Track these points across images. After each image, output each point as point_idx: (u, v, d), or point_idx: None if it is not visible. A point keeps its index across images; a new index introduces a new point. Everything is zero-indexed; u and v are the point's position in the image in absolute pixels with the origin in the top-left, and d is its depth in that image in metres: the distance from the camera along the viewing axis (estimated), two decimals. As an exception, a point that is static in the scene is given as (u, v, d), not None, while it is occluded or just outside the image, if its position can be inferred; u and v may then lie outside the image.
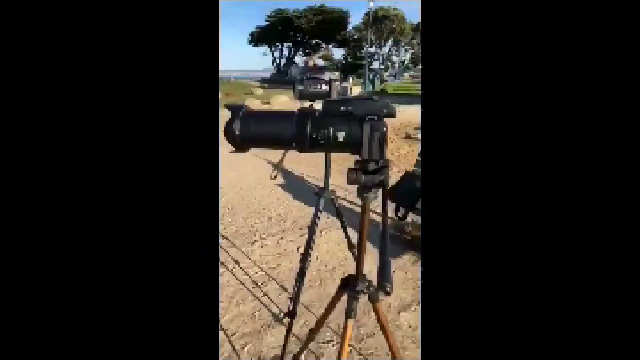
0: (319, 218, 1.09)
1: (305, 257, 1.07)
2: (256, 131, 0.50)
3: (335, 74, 0.83)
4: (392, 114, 0.48)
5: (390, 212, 2.47)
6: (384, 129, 0.47)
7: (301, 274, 1.09)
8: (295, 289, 1.12)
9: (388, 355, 1.29)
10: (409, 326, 1.56)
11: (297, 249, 2.21)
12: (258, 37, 25.55)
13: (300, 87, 0.80)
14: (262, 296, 1.75)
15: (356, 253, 1.06)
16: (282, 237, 2.38)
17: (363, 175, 0.51)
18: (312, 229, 1.08)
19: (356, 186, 0.53)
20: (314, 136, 0.48)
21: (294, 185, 3.45)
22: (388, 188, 0.51)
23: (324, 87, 0.81)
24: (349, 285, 0.64)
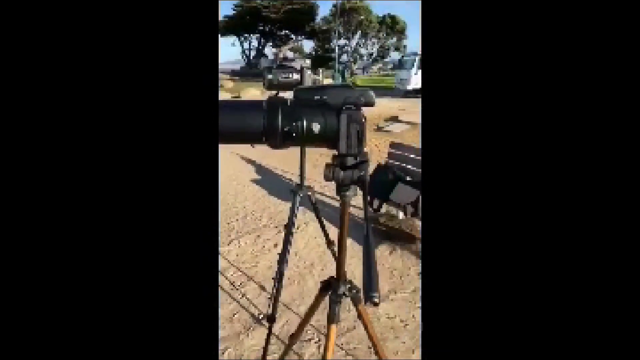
0: (296, 216, 1.04)
1: (282, 258, 1.02)
2: (220, 125, 0.44)
3: (307, 62, 0.77)
4: (370, 103, 0.44)
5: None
6: (363, 120, 0.43)
7: (279, 276, 1.04)
8: (274, 292, 1.07)
9: (370, 348, 1.29)
10: (388, 317, 1.58)
11: (275, 246, 2.16)
12: (226, 27, 24.60)
13: (270, 76, 0.74)
14: (240, 297, 1.69)
15: (336, 252, 1.03)
16: (259, 235, 2.31)
17: (341, 172, 0.47)
18: (289, 229, 1.03)
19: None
20: (286, 129, 0.43)
21: (268, 181, 3.36)
22: (368, 184, 0.47)
23: (295, 76, 0.75)
24: (330, 288, 0.60)
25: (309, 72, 0.75)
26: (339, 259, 0.58)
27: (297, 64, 0.76)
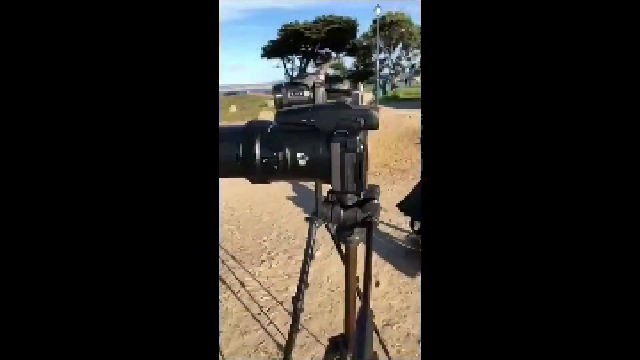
0: (313, 246, 0.93)
1: (298, 295, 0.91)
2: None
3: (321, 77, 0.67)
4: (372, 125, 0.34)
5: (406, 225, 2.29)
6: (361, 148, 0.33)
7: (295, 316, 0.92)
8: (288, 337, 0.95)
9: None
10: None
11: (306, 268, 2.07)
12: (270, 51, 26.03)
13: (279, 95, 0.66)
14: (267, 324, 1.61)
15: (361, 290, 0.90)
16: (290, 257, 2.24)
17: (342, 211, 0.37)
18: (305, 261, 0.92)
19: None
20: (264, 160, 0.35)
21: (305, 198, 3.32)
22: (376, 227, 0.37)
23: (307, 93, 0.66)
24: (339, 349, 0.49)
25: (322, 89, 0.66)
26: (347, 316, 0.46)
27: (309, 80, 0.67)
